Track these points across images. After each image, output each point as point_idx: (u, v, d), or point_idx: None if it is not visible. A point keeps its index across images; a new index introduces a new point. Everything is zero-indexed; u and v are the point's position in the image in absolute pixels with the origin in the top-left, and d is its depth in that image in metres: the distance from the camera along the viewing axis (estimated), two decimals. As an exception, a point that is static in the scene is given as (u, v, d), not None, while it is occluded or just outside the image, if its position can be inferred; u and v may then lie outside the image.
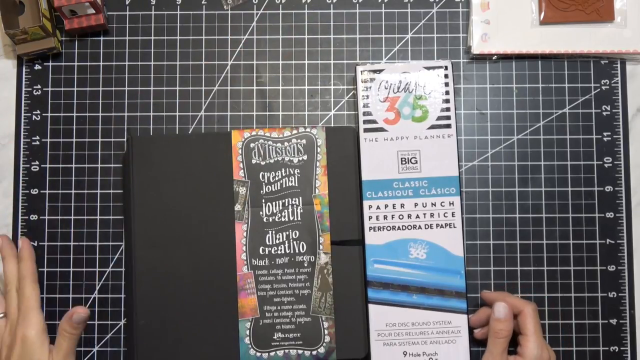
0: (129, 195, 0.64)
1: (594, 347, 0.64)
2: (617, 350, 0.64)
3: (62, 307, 0.65)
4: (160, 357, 0.62)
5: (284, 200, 0.63)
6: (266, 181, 0.63)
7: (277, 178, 0.63)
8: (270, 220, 0.63)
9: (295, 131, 0.64)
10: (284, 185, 0.63)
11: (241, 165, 0.63)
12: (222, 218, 0.63)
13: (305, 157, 0.63)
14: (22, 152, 0.67)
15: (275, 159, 0.63)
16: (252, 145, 0.63)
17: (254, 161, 0.63)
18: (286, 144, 0.64)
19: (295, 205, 0.63)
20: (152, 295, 0.62)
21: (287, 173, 0.63)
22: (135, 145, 0.64)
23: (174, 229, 0.63)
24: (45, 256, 0.66)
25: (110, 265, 0.66)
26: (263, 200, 0.63)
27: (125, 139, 0.66)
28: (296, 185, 0.63)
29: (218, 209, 0.63)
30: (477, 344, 0.64)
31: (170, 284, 0.62)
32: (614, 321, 0.64)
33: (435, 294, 0.62)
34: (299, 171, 0.63)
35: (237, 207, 0.63)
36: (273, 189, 0.63)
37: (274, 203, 0.63)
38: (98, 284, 0.65)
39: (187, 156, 0.64)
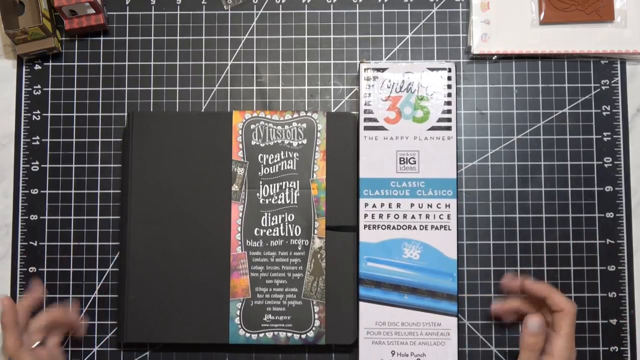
0: (126, 170, 0.64)
1: (594, 347, 0.64)
2: (617, 350, 0.64)
3: (62, 307, 0.65)
4: (149, 332, 0.63)
5: (281, 183, 0.63)
6: (265, 163, 0.63)
7: (275, 160, 0.63)
8: (267, 202, 0.63)
9: (296, 115, 0.64)
10: (282, 168, 0.63)
11: (240, 145, 0.64)
12: (219, 197, 0.63)
13: (304, 141, 0.64)
14: (22, 152, 0.67)
15: (275, 142, 0.64)
16: (252, 126, 0.64)
17: (253, 142, 0.64)
18: (287, 127, 0.64)
19: (292, 189, 0.63)
20: (144, 271, 0.63)
21: (286, 156, 0.63)
22: (136, 121, 0.64)
23: (169, 205, 0.63)
24: (45, 256, 0.66)
25: (110, 265, 0.66)
26: (260, 182, 0.63)
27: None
28: (294, 168, 0.63)
29: (215, 188, 0.63)
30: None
31: (163, 260, 0.63)
32: (614, 321, 0.64)
33: (426, 295, 0.62)
34: (297, 155, 0.63)
35: (234, 188, 0.63)
36: (271, 171, 0.63)
37: (271, 185, 0.63)
38: (98, 284, 0.65)
39: (187, 134, 0.64)
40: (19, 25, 0.67)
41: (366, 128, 0.63)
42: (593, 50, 0.66)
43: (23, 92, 0.67)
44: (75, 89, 0.67)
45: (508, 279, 0.63)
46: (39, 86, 0.67)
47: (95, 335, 0.65)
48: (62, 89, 0.67)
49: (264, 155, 0.64)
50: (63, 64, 0.68)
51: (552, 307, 0.59)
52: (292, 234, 0.63)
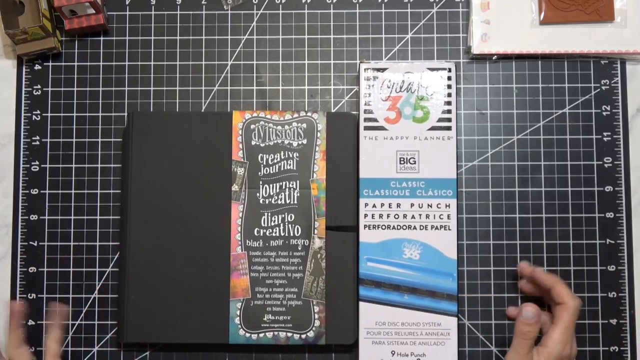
0: (126, 170, 0.64)
1: (594, 347, 0.64)
2: (617, 350, 0.64)
3: (62, 307, 0.65)
4: (149, 332, 0.63)
5: (281, 183, 0.63)
6: (265, 163, 0.63)
7: (275, 160, 0.63)
8: (267, 202, 0.63)
9: (296, 115, 0.64)
10: (282, 168, 0.63)
11: (240, 145, 0.64)
12: (219, 197, 0.63)
13: (304, 141, 0.64)
14: (22, 152, 0.67)
15: (275, 142, 0.64)
16: (252, 126, 0.64)
17: (253, 142, 0.64)
18: (287, 127, 0.64)
19: (292, 189, 0.63)
20: (144, 271, 0.63)
21: (286, 156, 0.63)
22: (136, 121, 0.64)
23: (169, 205, 0.63)
24: (45, 256, 0.66)
25: (110, 265, 0.66)
26: (260, 182, 0.63)
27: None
28: (294, 168, 0.63)
29: (215, 188, 0.63)
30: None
31: (163, 260, 0.63)
32: (614, 321, 0.64)
33: (426, 295, 0.62)
34: (297, 155, 0.64)
35: (234, 188, 0.63)
36: (271, 171, 0.63)
37: (271, 185, 0.63)
38: (98, 284, 0.65)
39: (187, 134, 0.64)
40: (19, 25, 0.67)
41: (366, 128, 0.63)
42: (593, 50, 0.66)
43: (23, 92, 0.67)
44: (75, 89, 0.67)
45: (523, 265, 0.63)
46: (39, 86, 0.67)
47: (95, 335, 0.65)
48: (62, 89, 0.67)
49: (264, 155, 0.64)
50: (63, 64, 0.68)
51: (556, 299, 0.59)
52: (292, 234, 0.63)
